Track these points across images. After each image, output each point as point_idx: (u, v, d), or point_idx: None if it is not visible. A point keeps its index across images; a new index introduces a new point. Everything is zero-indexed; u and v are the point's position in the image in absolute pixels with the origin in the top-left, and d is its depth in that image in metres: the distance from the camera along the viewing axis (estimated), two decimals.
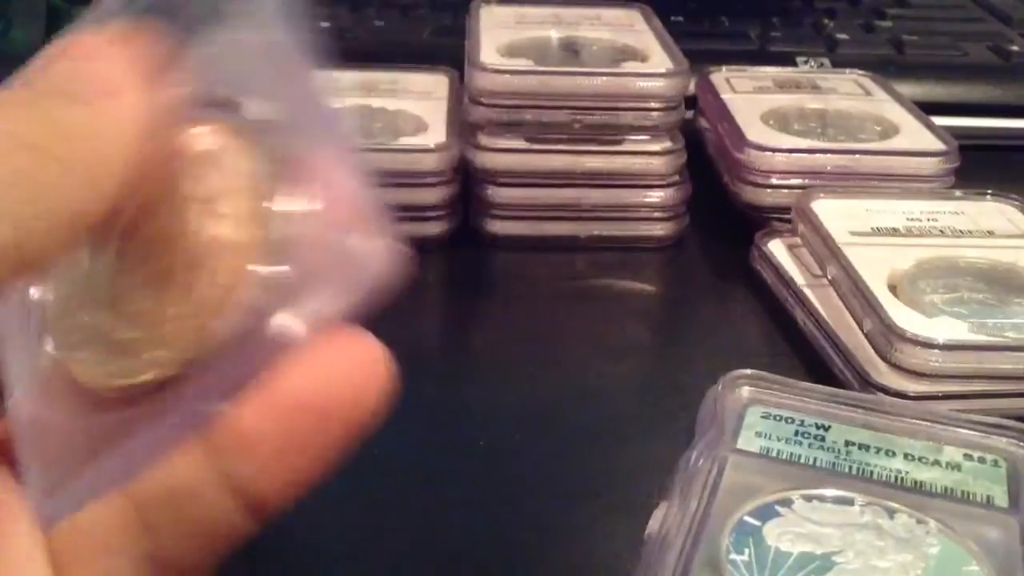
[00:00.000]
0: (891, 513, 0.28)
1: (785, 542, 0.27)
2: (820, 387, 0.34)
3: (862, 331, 0.36)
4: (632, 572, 0.26)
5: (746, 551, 0.26)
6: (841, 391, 0.34)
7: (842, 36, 0.65)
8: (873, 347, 0.36)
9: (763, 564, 0.26)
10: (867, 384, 0.35)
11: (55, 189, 0.16)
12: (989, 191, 0.45)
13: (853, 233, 0.41)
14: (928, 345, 0.34)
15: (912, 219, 0.43)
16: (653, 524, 0.28)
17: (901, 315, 0.35)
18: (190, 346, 0.20)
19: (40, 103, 0.17)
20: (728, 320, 0.43)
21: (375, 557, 0.30)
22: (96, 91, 0.17)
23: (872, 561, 0.26)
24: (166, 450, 0.20)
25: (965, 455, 0.30)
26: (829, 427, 0.31)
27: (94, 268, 0.21)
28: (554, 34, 0.53)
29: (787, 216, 0.44)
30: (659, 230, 0.47)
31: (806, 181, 0.46)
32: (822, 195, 0.44)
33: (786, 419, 0.32)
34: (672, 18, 0.65)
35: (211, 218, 0.20)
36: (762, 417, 0.32)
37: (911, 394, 0.34)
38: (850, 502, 0.28)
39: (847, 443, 0.31)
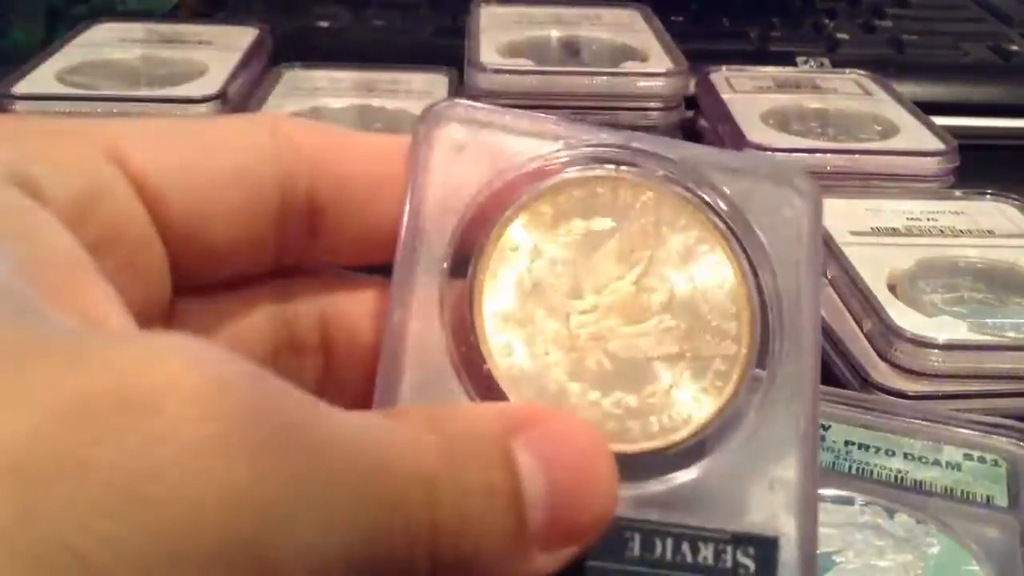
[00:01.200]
0: (891, 513, 0.28)
1: None
2: (821, 387, 0.34)
3: (862, 331, 0.36)
4: None
5: None
6: (841, 391, 0.34)
7: (842, 36, 0.65)
8: (873, 347, 0.36)
9: None
10: (867, 384, 0.35)
11: None
12: (989, 191, 0.45)
13: (853, 233, 0.41)
14: (928, 345, 0.34)
15: (912, 219, 0.43)
16: None
17: (901, 315, 0.35)
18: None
19: None
20: None
21: None
22: None
23: (872, 560, 0.26)
24: None
25: (965, 455, 0.30)
26: (829, 427, 0.31)
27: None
28: (554, 34, 0.53)
29: None
30: None
31: None
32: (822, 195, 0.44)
33: None
34: (672, 18, 0.65)
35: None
36: None
37: (911, 394, 0.34)
38: (850, 502, 0.28)
39: (847, 443, 0.31)
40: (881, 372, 0.35)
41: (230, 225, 0.19)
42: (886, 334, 0.35)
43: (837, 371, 0.37)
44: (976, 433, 0.31)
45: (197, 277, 0.19)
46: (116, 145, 0.18)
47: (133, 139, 0.18)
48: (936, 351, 0.34)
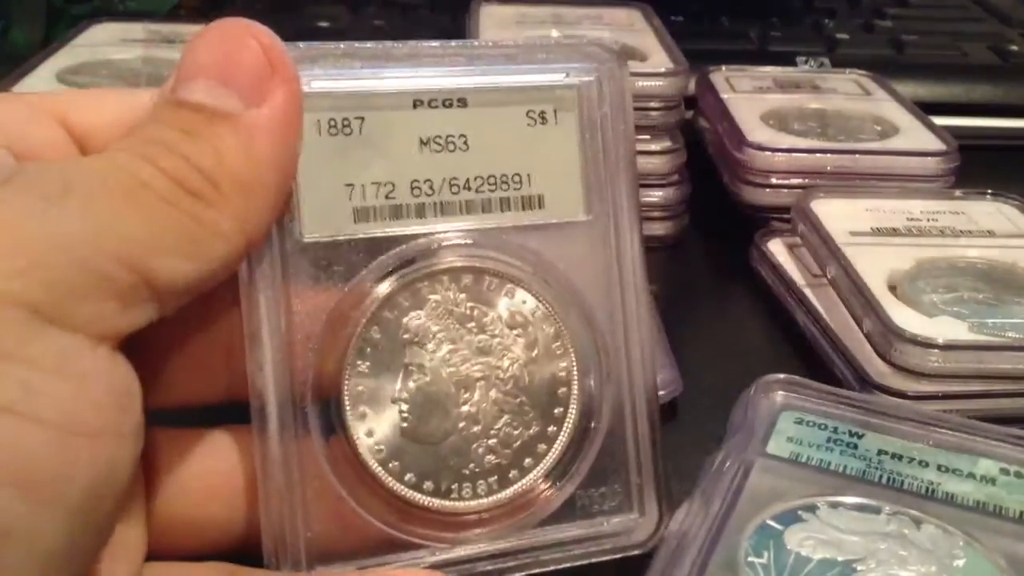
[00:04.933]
0: (918, 523, 0.27)
1: (806, 547, 0.26)
2: (857, 395, 0.33)
3: (862, 331, 0.36)
4: (649, 569, 0.26)
5: (765, 554, 0.26)
6: (879, 399, 0.34)
7: (842, 36, 0.65)
8: (873, 347, 0.36)
9: (781, 568, 0.26)
10: (867, 384, 0.35)
11: None
12: (989, 191, 0.45)
13: (853, 233, 0.41)
14: (928, 345, 0.34)
15: (912, 219, 0.43)
16: (673, 523, 0.27)
17: (901, 315, 0.35)
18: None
19: None
20: (728, 320, 0.43)
21: None
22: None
23: (893, 570, 0.26)
24: None
25: (1001, 469, 0.30)
26: (863, 435, 0.31)
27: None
28: (554, 34, 0.53)
29: (787, 216, 0.44)
30: (659, 229, 0.47)
31: (806, 181, 0.46)
32: (822, 195, 0.44)
33: (819, 425, 0.31)
34: (672, 18, 0.65)
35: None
36: (795, 422, 0.31)
37: (911, 394, 0.34)
38: (876, 510, 0.28)
39: (880, 452, 0.30)
40: (881, 372, 0.35)
41: None
42: (886, 334, 0.35)
43: (837, 371, 0.37)
44: (1015, 447, 0.31)
45: None
46: (63, 111, 0.23)
47: (76, 106, 0.23)
48: (936, 351, 0.34)
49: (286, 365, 0.24)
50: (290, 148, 0.22)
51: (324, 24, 0.64)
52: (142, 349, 0.21)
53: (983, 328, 0.35)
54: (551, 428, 0.26)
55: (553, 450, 0.26)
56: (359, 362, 0.24)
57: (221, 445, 0.25)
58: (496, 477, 0.25)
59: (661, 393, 0.35)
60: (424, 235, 0.25)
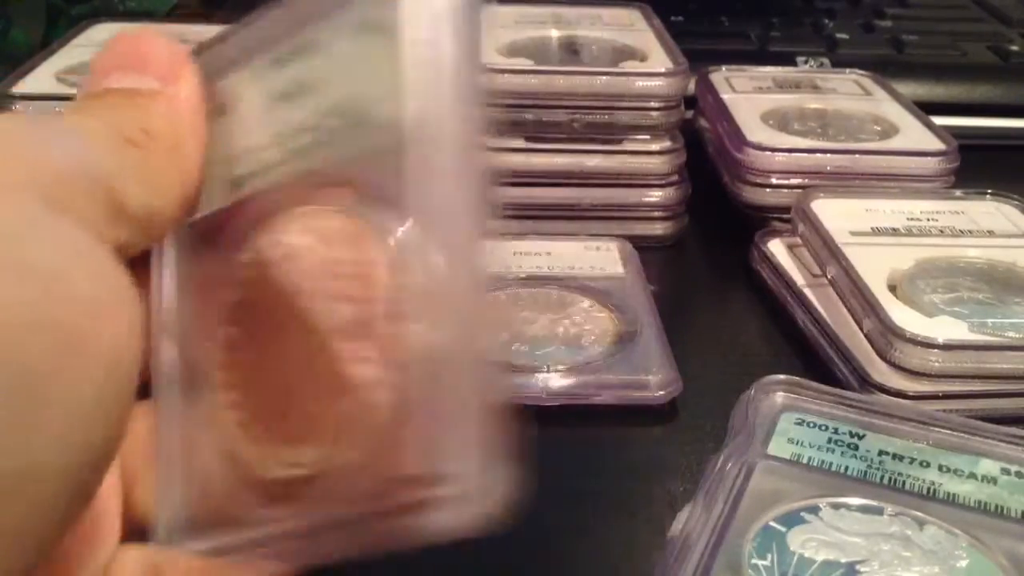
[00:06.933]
0: (921, 524, 0.27)
1: (809, 549, 0.26)
2: (857, 395, 0.33)
3: (862, 331, 0.36)
4: (652, 573, 0.26)
5: (769, 556, 0.26)
6: (879, 399, 0.34)
7: (842, 36, 0.65)
8: (873, 347, 0.35)
9: (785, 570, 0.26)
10: (867, 384, 0.35)
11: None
12: (989, 191, 0.45)
13: (853, 233, 0.41)
14: (928, 345, 0.34)
15: (912, 219, 0.43)
16: (676, 526, 0.27)
17: (901, 315, 0.35)
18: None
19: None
20: (728, 320, 0.43)
21: (382, 559, 0.30)
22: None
23: (897, 572, 0.26)
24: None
25: (1002, 469, 0.30)
26: (864, 436, 0.31)
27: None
28: (554, 34, 0.53)
29: (787, 216, 0.44)
30: (659, 229, 0.47)
31: (806, 181, 0.46)
32: (822, 195, 0.44)
33: (820, 426, 0.31)
34: (672, 18, 0.65)
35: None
36: (795, 423, 0.31)
37: (911, 394, 0.34)
38: (879, 511, 0.28)
39: (881, 452, 0.30)
40: (881, 372, 0.35)
41: None
42: (886, 334, 0.35)
43: (837, 371, 0.37)
44: (1015, 447, 0.31)
45: None
46: None
47: None
48: (936, 351, 0.34)
49: (175, 339, 0.24)
50: (202, 122, 0.24)
51: None
52: None
53: (983, 328, 0.35)
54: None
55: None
56: (230, 329, 0.24)
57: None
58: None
59: (660, 393, 0.35)
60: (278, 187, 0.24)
